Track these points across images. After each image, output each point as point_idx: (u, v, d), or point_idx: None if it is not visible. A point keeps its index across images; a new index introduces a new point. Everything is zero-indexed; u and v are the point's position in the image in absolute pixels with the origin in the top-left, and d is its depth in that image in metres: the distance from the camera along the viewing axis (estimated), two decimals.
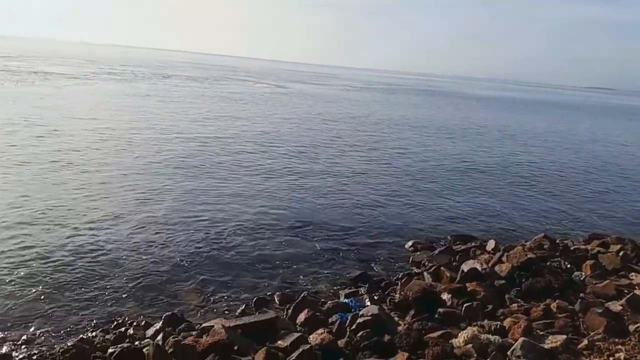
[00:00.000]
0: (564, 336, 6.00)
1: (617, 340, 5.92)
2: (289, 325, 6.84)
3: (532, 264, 8.62)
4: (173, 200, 12.20)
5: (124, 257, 8.80)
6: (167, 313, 6.99)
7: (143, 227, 10.27)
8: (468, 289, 7.79)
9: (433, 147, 24.90)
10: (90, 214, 10.65)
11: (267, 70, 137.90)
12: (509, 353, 5.53)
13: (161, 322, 6.76)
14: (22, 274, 7.80)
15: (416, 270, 9.36)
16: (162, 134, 20.91)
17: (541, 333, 6.21)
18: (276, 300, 7.88)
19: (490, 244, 10.48)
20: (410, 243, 10.82)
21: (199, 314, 7.33)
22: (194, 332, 6.49)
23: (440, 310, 7.06)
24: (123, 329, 6.69)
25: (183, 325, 6.74)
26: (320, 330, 6.36)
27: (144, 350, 5.73)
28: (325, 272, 9.13)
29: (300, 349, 5.61)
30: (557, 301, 7.29)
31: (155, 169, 14.97)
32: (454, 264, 9.26)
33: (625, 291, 7.73)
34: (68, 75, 47.50)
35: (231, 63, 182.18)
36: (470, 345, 5.77)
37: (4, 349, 6.05)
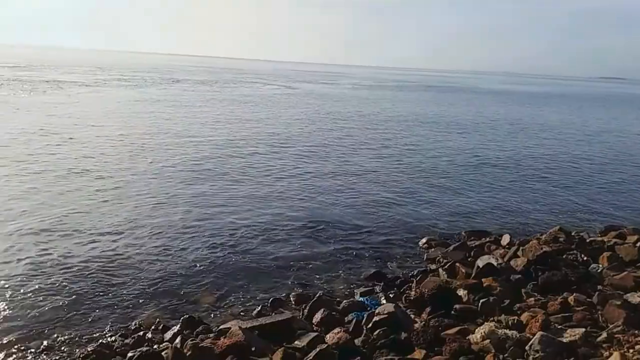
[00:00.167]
0: (583, 329, 5.94)
1: (637, 332, 5.84)
2: (306, 325, 6.86)
3: (548, 258, 8.54)
4: (186, 203, 12.29)
5: (139, 262, 8.90)
6: (185, 316, 7.05)
7: (158, 231, 10.37)
8: (484, 285, 7.76)
9: (444, 142, 24.79)
10: (106, 220, 10.78)
11: (276, 71, 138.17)
12: (527, 348, 5.49)
13: (179, 325, 6.82)
14: (40, 280, 7.92)
15: (431, 267, 9.34)
16: (175, 139, 21.08)
17: (559, 327, 6.15)
18: (292, 300, 7.91)
19: (505, 239, 10.40)
20: (424, 240, 10.79)
21: (215, 316, 7.38)
22: (211, 335, 6.54)
23: (457, 306, 7.04)
24: (141, 332, 6.76)
25: (200, 328, 6.80)
26: (336, 330, 6.37)
27: (163, 353, 5.80)
28: (340, 271, 9.15)
29: (317, 349, 5.62)
30: (574, 294, 7.21)
31: (169, 174, 15.09)
32: (469, 259, 9.20)
33: None
34: (79, 83, 48.05)
35: (240, 65, 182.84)
36: (487, 341, 5.74)
37: (26, 356, 6.15)
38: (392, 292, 8.20)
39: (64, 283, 7.91)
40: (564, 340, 5.68)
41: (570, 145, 26.19)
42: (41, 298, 7.43)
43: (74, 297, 7.54)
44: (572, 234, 10.84)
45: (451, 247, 10.08)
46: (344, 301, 7.69)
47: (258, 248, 9.91)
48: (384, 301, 7.63)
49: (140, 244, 9.66)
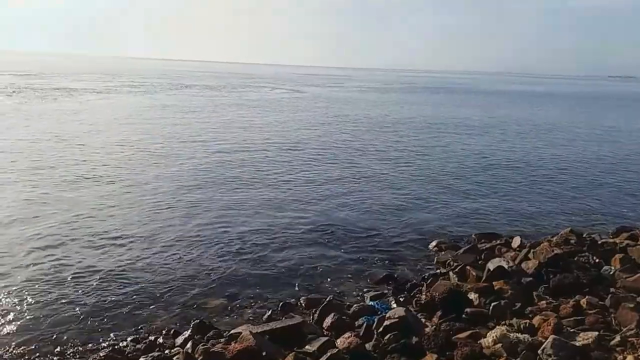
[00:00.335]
0: (596, 333, 5.88)
1: None
2: (316, 329, 6.85)
3: (559, 260, 8.48)
4: (197, 209, 12.35)
5: (150, 267, 8.95)
6: (196, 321, 7.07)
7: (168, 236, 10.42)
8: (495, 288, 7.71)
9: (453, 144, 24.71)
10: (117, 225, 10.86)
11: (283, 75, 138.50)
12: (539, 352, 5.44)
13: (190, 330, 6.84)
14: (52, 286, 7.99)
15: (442, 270, 9.29)
16: (185, 144, 21.22)
17: (572, 330, 6.10)
18: (302, 304, 7.90)
19: (516, 241, 10.34)
20: (434, 243, 10.75)
21: (226, 321, 7.39)
22: (222, 339, 6.54)
23: (468, 310, 6.99)
24: (153, 337, 6.79)
25: (211, 333, 6.81)
26: (347, 334, 6.36)
27: (174, 358, 5.83)
28: (350, 275, 9.13)
29: (328, 354, 5.62)
30: (586, 297, 7.15)
31: (180, 179, 15.18)
32: (479, 262, 9.16)
33: None
34: (90, 90, 48.47)
35: (242, 70, 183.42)
36: (499, 345, 5.70)
37: None
38: (402, 295, 8.17)
39: (75, 288, 7.98)
40: (577, 344, 5.63)
41: (580, 146, 25.99)
42: (53, 304, 7.49)
43: (85, 302, 7.60)
44: (584, 235, 10.74)
45: (461, 250, 10.05)
46: (354, 305, 7.68)
47: (267, 252, 9.92)
48: (395, 305, 7.61)
49: (150, 249, 9.71)
